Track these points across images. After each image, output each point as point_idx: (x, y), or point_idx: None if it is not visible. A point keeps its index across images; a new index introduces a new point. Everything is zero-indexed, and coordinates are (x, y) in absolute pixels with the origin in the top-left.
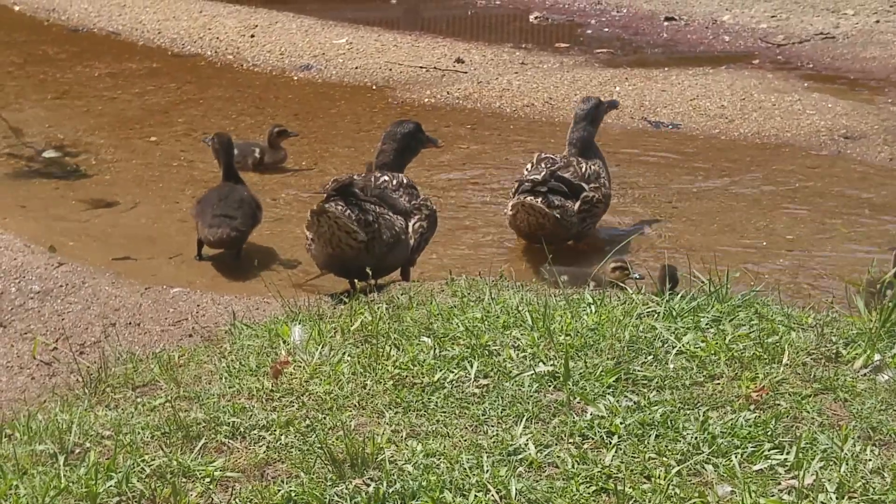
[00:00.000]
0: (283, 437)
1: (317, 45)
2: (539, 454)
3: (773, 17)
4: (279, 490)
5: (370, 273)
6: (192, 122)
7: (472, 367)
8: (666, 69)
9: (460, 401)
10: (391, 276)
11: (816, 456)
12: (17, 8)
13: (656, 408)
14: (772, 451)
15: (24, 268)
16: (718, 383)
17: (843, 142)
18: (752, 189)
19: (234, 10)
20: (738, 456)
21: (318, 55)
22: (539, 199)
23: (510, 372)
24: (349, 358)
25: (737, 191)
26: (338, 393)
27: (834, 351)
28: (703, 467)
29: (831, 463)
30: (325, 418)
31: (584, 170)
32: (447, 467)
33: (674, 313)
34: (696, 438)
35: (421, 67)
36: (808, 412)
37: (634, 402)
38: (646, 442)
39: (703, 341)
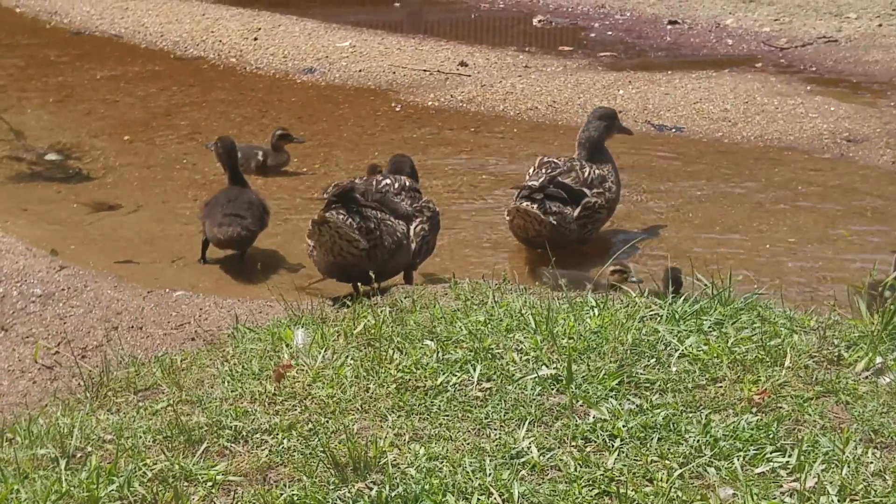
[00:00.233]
0: (285, 441)
1: (320, 48)
2: (542, 457)
3: (776, 20)
4: (281, 494)
5: (373, 277)
6: (195, 125)
7: (475, 370)
8: (669, 72)
9: (463, 404)
10: (394, 279)
11: (818, 458)
12: (19, 10)
13: (659, 411)
14: (774, 454)
15: (25, 271)
16: (721, 386)
17: (846, 145)
18: (754, 192)
19: (237, 14)
20: (741, 459)
21: (321, 58)
22: (535, 206)
23: (513, 375)
24: (352, 361)
25: (739, 194)
26: (340, 396)
27: (836, 354)
28: (706, 470)
29: (833, 465)
30: (327, 422)
31: (586, 174)
32: (450, 471)
33: (676, 316)
34: (698, 441)
35: (424, 71)
36: (810, 415)
37: (637, 405)
38: (648, 445)
39: (705, 344)
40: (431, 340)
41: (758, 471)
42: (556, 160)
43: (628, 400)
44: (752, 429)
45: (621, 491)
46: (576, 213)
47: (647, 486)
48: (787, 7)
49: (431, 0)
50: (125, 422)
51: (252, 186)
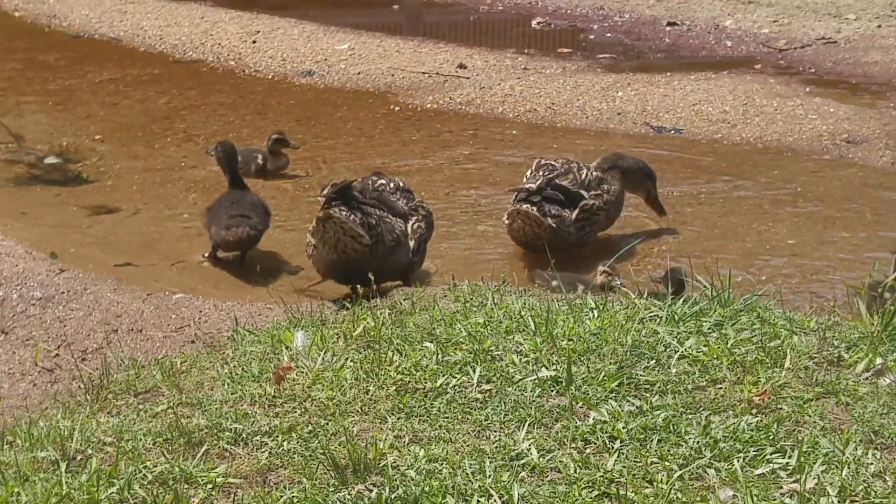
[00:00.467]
0: (285, 443)
1: (319, 50)
2: (541, 459)
3: (774, 21)
4: (281, 496)
5: (372, 278)
6: (194, 128)
7: (474, 372)
8: (668, 74)
9: (463, 406)
10: (393, 282)
11: (818, 460)
12: (17, 14)
13: (659, 412)
14: (774, 455)
15: (25, 274)
16: (720, 387)
17: (845, 146)
18: (754, 194)
19: (235, 17)
20: (741, 460)
21: (320, 61)
22: (535, 208)
23: (513, 377)
24: (352, 364)
25: (739, 195)
26: (340, 399)
27: (836, 355)
28: (706, 471)
29: (833, 467)
30: (327, 424)
31: (584, 176)
32: (450, 472)
33: (676, 318)
34: (698, 443)
35: (423, 73)
36: (810, 416)
37: (637, 407)
38: (648, 446)
39: (705, 345)
40: (431, 342)
41: (758, 472)
42: (553, 162)
43: (628, 401)
44: (752, 430)
45: (621, 492)
46: (573, 215)
47: (647, 487)
48: (785, 8)
49: (430, 2)
50: (125, 424)
51: (252, 190)
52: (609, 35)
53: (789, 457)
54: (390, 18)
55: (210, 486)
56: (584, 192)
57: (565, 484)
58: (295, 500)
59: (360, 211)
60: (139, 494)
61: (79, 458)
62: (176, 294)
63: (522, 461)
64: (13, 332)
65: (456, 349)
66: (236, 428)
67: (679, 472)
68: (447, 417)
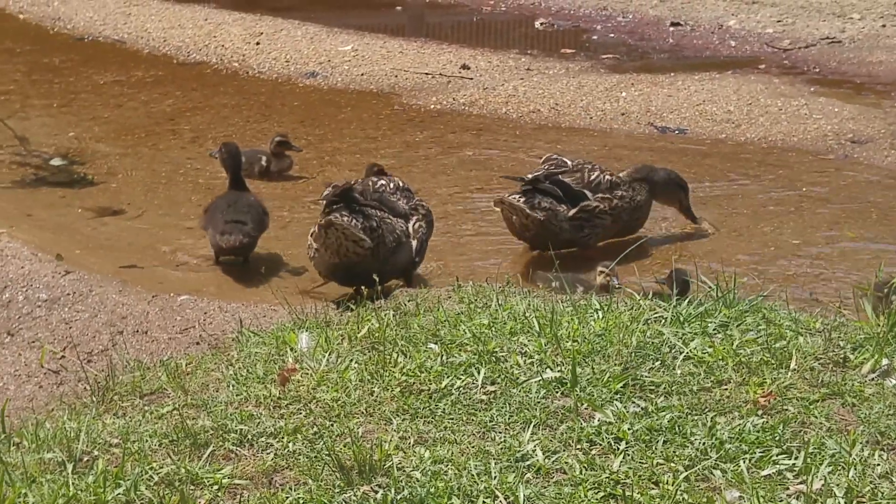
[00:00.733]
0: (290, 445)
1: (322, 52)
2: (547, 460)
3: (779, 21)
4: (287, 497)
5: (376, 279)
6: (198, 129)
7: (479, 373)
8: (672, 74)
9: (468, 407)
10: (398, 282)
11: (825, 461)
12: (22, 17)
13: (664, 413)
14: (780, 456)
15: (31, 276)
16: (726, 389)
17: (850, 146)
18: (758, 194)
19: (239, 18)
20: (746, 461)
21: (323, 62)
22: (522, 199)
23: (517, 378)
24: (356, 365)
25: (743, 196)
26: (345, 400)
27: (842, 356)
28: (711, 473)
29: (839, 468)
30: (332, 425)
31: (593, 178)
32: (455, 474)
33: (681, 318)
34: (703, 444)
35: (426, 74)
36: (816, 417)
37: (642, 408)
38: (654, 448)
39: (710, 346)
40: (435, 344)
41: (764, 473)
42: (564, 159)
43: (633, 403)
44: (758, 431)
45: (627, 494)
46: (570, 212)
47: (652, 488)
48: (790, 8)
49: (433, 3)
50: (131, 426)
51: (256, 192)
52: (612, 35)
53: (795, 458)
54: (393, 19)
55: (216, 487)
56: (588, 193)
57: (571, 485)
58: (300, 502)
59: (362, 214)
60: (145, 495)
61: (85, 459)
62: (181, 296)
63: (528, 462)
64: (19, 333)
65: (460, 350)
66: (242, 429)
67: (685, 474)
68: (452, 419)
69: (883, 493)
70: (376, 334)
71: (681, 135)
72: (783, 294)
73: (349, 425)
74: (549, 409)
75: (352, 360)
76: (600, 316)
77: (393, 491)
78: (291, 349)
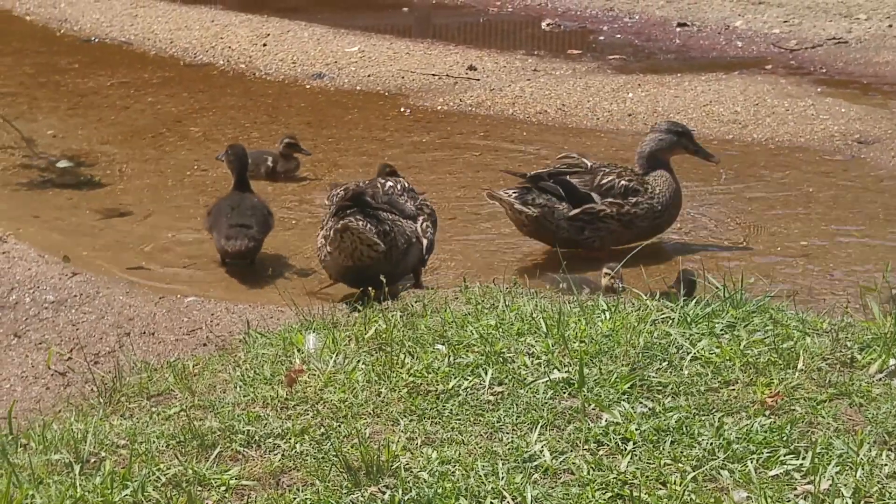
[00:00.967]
0: (298, 446)
1: (329, 53)
2: (554, 461)
3: (785, 22)
4: (294, 498)
5: (383, 281)
6: (205, 130)
7: (486, 374)
8: (679, 75)
9: (475, 408)
10: (405, 283)
11: (832, 461)
12: (29, 18)
13: (671, 414)
14: (787, 457)
15: (38, 278)
16: (733, 389)
17: (857, 146)
18: (765, 194)
19: (245, 20)
20: (754, 461)
21: (330, 63)
22: (514, 194)
23: (525, 379)
24: (363, 366)
25: (750, 196)
26: (352, 401)
27: (849, 356)
28: (719, 473)
29: (847, 468)
30: (339, 426)
31: (605, 182)
32: (462, 474)
33: (688, 319)
34: (711, 444)
35: (433, 75)
36: (824, 417)
37: (649, 409)
38: (661, 448)
39: (717, 347)
40: (443, 344)
41: (771, 473)
42: (585, 160)
43: (641, 403)
44: (766, 431)
45: (634, 494)
46: (571, 212)
47: (660, 489)
48: (796, 8)
49: (440, 4)
50: (138, 427)
51: (262, 193)
52: (619, 36)
53: (803, 458)
54: (400, 21)
55: (223, 488)
56: (594, 196)
57: (578, 485)
58: (308, 502)
59: (375, 218)
60: (153, 496)
61: (92, 460)
62: (188, 297)
63: (535, 463)
64: (26, 335)
65: (468, 351)
66: (249, 430)
67: (692, 474)
68: (459, 419)
69: (891, 493)
70: (383, 335)
71: None
72: (790, 294)
73: (356, 426)
74: (556, 410)
75: (359, 361)
76: (608, 317)
77: (400, 492)
78: (298, 350)
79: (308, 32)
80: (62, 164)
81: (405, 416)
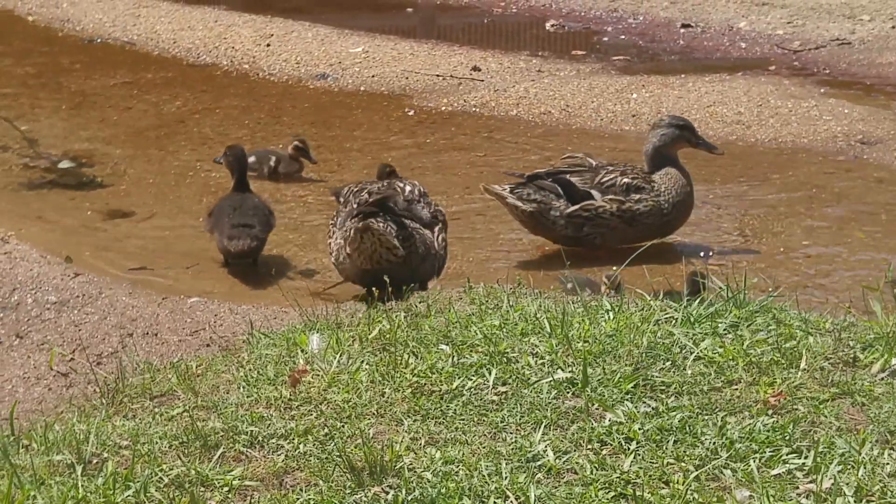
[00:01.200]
0: (301, 446)
1: (333, 53)
2: (558, 460)
3: (789, 23)
4: (298, 498)
5: (386, 281)
6: (208, 131)
7: (490, 374)
8: (683, 76)
9: (479, 408)
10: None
11: (834, 460)
12: (31, 19)
13: (675, 413)
14: (790, 456)
15: (40, 278)
16: (736, 388)
17: (860, 147)
18: (768, 195)
19: (249, 20)
20: (757, 460)
21: (334, 64)
22: (507, 189)
23: (528, 379)
24: (367, 366)
25: (754, 196)
26: (356, 401)
27: (851, 355)
28: (722, 472)
29: (849, 467)
30: (343, 426)
31: (606, 179)
32: (466, 474)
33: (692, 319)
34: (714, 443)
35: (437, 76)
36: (826, 416)
37: (653, 408)
38: (664, 447)
39: (720, 347)
40: (447, 345)
41: (774, 472)
42: (590, 159)
43: (644, 403)
44: (768, 431)
45: (637, 493)
46: (569, 209)
47: (663, 488)
48: (800, 10)
49: (444, 5)
50: (141, 428)
51: (263, 192)
52: (623, 37)
53: (805, 457)
54: (404, 21)
55: (226, 488)
56: (594, 193)
57: (582, 485)
58: (311, 503)
59: (397, 223)
60: (155, 497)
61: (95, 461)
62: (191, 298)
63: (539, 463)
64: (28, 336)
65: (471, 351)
66: (252, 431)
67: (695, 473)
68: (463, 419)
69: (892, 492)
70: (387, 335)
71: None
72: (793, 294)
73: (360, 426)
74: (560, 410)
75: (363, 362)
76: (611, 317)
77: (404, 492)
78: (302, 351)
79: (312, 33)
80: (64, 164)
81: (409, 416)
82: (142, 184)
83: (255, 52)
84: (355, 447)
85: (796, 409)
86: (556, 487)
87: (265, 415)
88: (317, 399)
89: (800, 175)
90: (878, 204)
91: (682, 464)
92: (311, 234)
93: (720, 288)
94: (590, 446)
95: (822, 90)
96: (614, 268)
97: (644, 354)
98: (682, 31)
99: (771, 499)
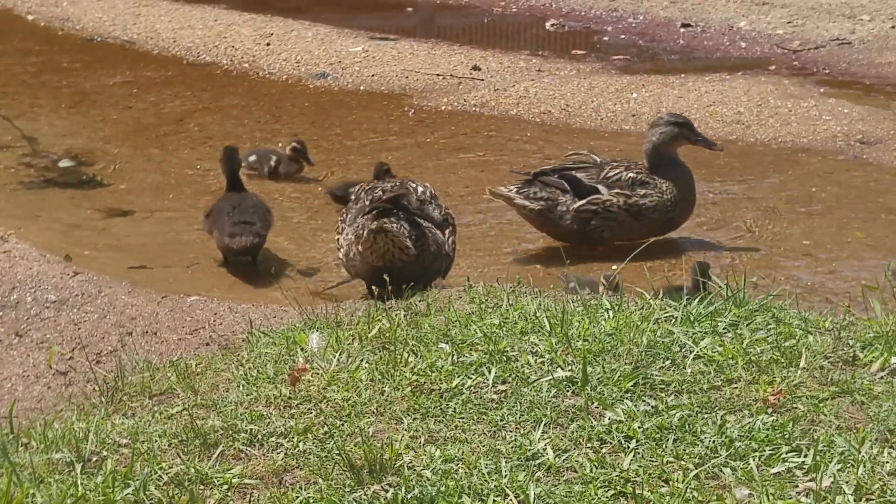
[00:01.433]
0: (301, 444)
1: (333, 53)
2: (557, 459)
3: (789, 23)
4: (297, 497)
5: (386, 279)
6: (208, 130)
7: (490, 372)
8: (682, 75)
9: (478, 406)
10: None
11: (834, 458)
12: (31, 18)
13: (674, 412)
14: (789, 454)
15: (39, 277)
16: (736, 387)
17: (860, 147)
18: (768, 194)
19: (249, 19)
20: (756, 459)
21: (334, 63)
22: (514, 189)
23: (528, 377)
24: (367, 365)
25: (753, 196)
26: (356, 399)
27: (851, 354)
28: (721, 470)
29: (849, 465)
30: (343, 425)
31: (611, 175)
32: (465, 473)
33: (691, 318)
34: (713, 442)
35: (437, 75)
36: (826, 415)
37: (652, 407)
38: (664, 446)
39: (720, 345)
40: (446, 343)
41: (773, 471)
42: (594, 156)
43: (644, 401)
44: (768, 429)
45: (637, 492)
46: (576, 204)
47: (662, 486)
48: (800, 9)
49: (444, 5)
50: (140, 426)
51: (266, 191)
52: (623, 37)
53: (805, 455)
54: (404, 21)
55: (226, 486)
56: (601, 188)
57: (581, 483)
58: (311, 501)
59: (410, 223)
60: (155, 495)
61: (94, 459)
62: (190, 296)
63: (538, 461)
64: (27, 334)
65: (471, 350)
66: (252, 429)
67: (695, 472)
68: (463, 418)
69: (892, 491)
70: (387, 334)
71: None
72: (793, 293)
73: (360, 425)
74: (559, 408)
75: (362, 360)
76: (611, 315)
77: (403, 490)
78: (302, 349)
79: (312, 32)
80: (64, 163)
81: (408, 414)
82: (141, 182)
83: (255, 51)
84: (355, 445)
85: (796, 408)
86: (555, 486)
87: (265, 413)
88: (316, 397)
89: (799, 174)
90: (878, 204)
91: (682, 462)
92: (311, 234)
93: (720, 286)
94: (589, 445)
95: (821, 90)
96: (614, 266)
97: (644, 353)
98: (682, 30)
99: (770, 497)
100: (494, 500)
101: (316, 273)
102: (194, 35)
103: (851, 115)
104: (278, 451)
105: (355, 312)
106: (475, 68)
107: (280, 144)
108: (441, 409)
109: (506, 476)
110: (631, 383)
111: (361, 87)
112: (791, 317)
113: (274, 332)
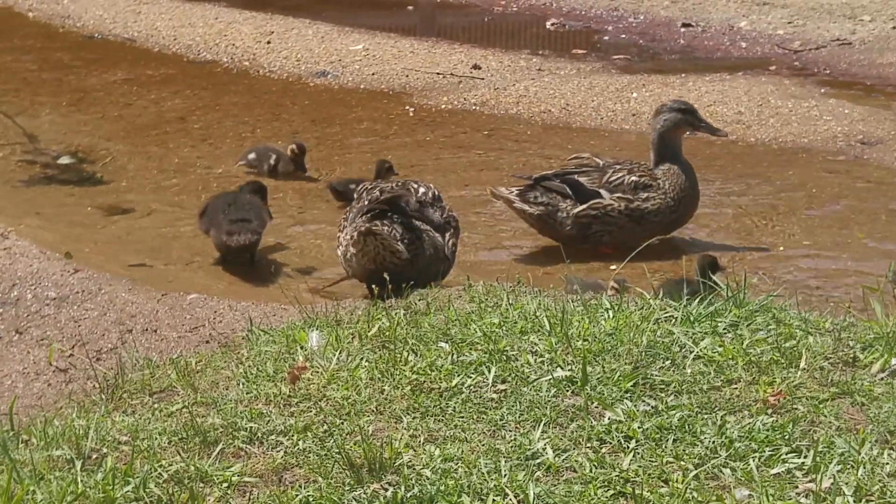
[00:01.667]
0: (300, 443)
1: (333, 51)
2: (557, 458)
3: (789, 23)
4: (297, 495)
5: (387, 279)
6: (208, 128)
7: (489, 372)
8: (683, 75)
9: (478, 406)
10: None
11: (834, 459)
12: (31, 15)
13: (674, 412)
14: (789, 455)
15: (39, 274)
16: (736, 388)
17: (860, 147)
18: (768, 195)
19: (249, 17)
20: (756, 460)
21: (334, 61)
22: (514, 192)
23: (528, 377)
24: (367, 363)
25: (754, 196)
26: (355, 398)
27: (851, 355)
28: (721, 471)
29: (849, 466)
30: (342, 423)
31: (613, 179)
32: (465, 472)
33: (691, 318)
34: (713, 442)
35: (438, 74)
36: (826, 416)
37: (652, 407)
38: (663, 446)
39: (720, 346)
40: (446, 342)
41: (773, 471)
42: (597, 159)
43: (643, 401)
44: (768, 430)
45: (637, 492)
46: (577, 209)
47: (662, 486)
48: (800, 10)
49: (444, 3)
50: (140, 423)
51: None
52: (624, 36)
53: (805, 456)
54: (405, 19)
55: (225, 484)
56: (602, 192)
57: (581, 483)
58: (310, 499)
59: (403, 225)
60: (154, 493)
61: (94, 456)
62: (190, 294)
63: (538, 460)
64: (28, 331)
65: (471, 349)
66: (251, 427)
67: (694, 472)
68: (462, 417)
69: (892, 492)
70: (387, 333)
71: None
72: (793, 294)
73: (359, 423)
74: (559, 408)
75: (362, 359)
76: (611, 315)
77: (403, 489)
78: (302, 347)
79: (312, 30)
80: (64, 160)
81: (408, 413)
82: (142, 180)
83: (256, 50)
84: (354, 444)
85: (796, 409)
86: (555, 485)
87: (264, 411)
88: (316, 396)
89: (800, 175)
90: (877, 204)
91: (682, 462)
92: (310, 232)
93: (720, 287)
94: (589, 444)
95: (822, 90)
96: (613, 266)
97: (643, 353)
98: (683, 30)
99: (770, 498)
100: (494, 500)
101: (315, 271)
102: (195, 33)
103: (852, 115)
104: (278, 449)
105: (355, 311)
106: (475, 67)
107: (280, 142)
108: (441, 408)
109: (505, 475)
110: (631, 383)
111: (362, 86)
112: (791, 317)
113: (274, 330)
